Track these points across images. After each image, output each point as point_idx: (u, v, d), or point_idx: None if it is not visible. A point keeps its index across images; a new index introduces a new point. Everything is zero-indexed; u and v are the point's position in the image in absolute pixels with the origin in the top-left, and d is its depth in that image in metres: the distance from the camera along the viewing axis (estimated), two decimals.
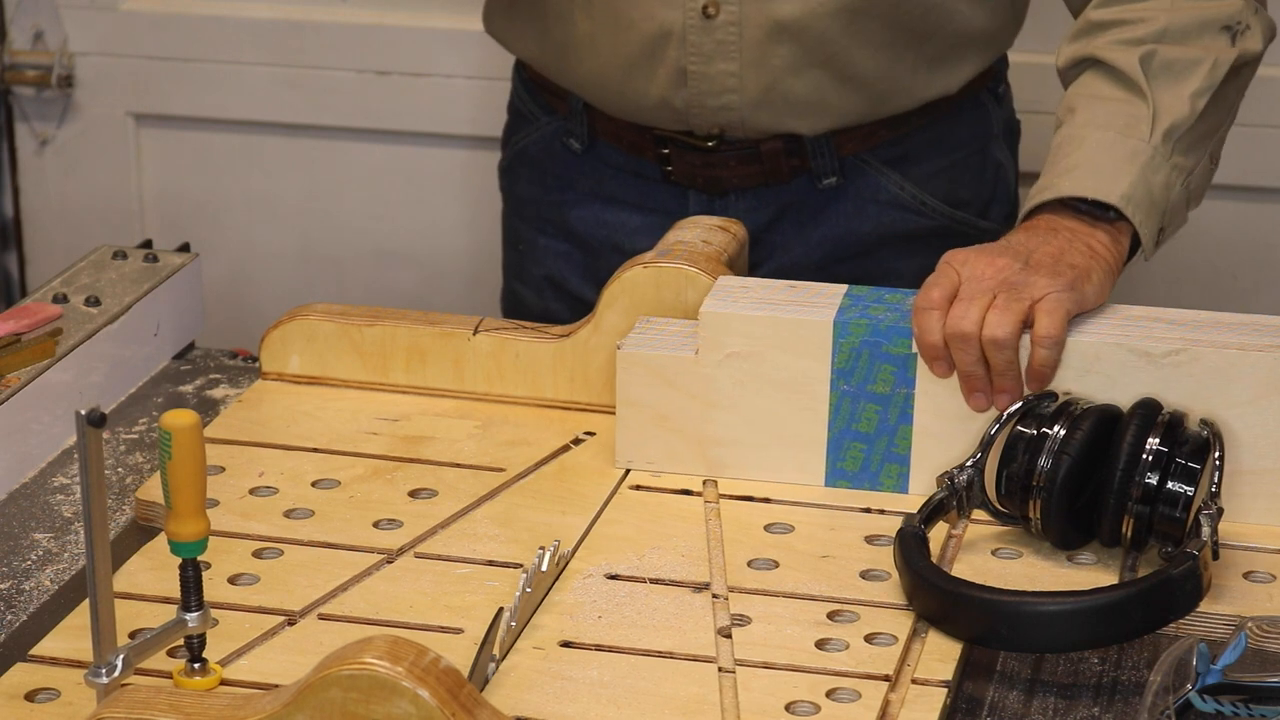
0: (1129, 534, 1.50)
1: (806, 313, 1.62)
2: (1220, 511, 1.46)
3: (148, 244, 1.96)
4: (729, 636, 1.43)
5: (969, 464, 1.55)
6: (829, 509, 1.61)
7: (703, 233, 1.77)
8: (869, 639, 1.43)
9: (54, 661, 1.40)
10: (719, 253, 1.74)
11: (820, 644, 1.42)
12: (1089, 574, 1.52)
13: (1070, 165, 1.68)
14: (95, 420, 1.26)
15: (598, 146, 2.03)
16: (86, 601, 1.33)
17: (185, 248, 1.97)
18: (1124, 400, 1.55)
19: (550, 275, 2.09)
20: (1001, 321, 1.57)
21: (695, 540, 1.56)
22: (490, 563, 1.53)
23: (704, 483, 1.64)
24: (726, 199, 1.99)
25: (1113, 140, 1.69)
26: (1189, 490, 1.49)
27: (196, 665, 1.37)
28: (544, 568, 1.46)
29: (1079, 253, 1.63)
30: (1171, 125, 1.70)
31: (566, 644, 1.42)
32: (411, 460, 1.68)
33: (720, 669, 1.40)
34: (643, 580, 1.50)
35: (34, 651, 1.41)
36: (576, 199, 2.06)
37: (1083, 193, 1.66)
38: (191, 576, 1.36)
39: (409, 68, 2.87)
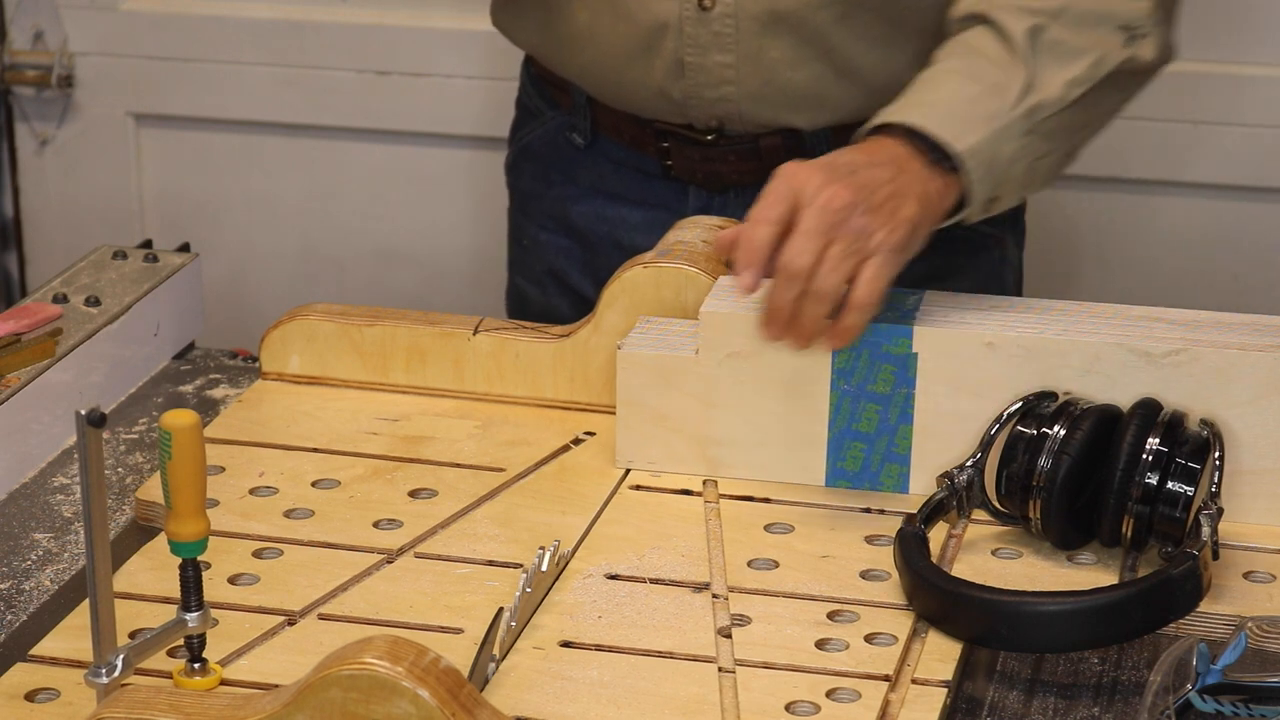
0: (1129, 534, 1.50)
1: None
2: (1220, 511, 1.46)
3: (148, 244, 1.96)
4: (729, 636, 1.43)
5: (969, 464, 1.55)
6: (829, 509, 1.61)
7: (703, 233, 1.77)
8: (869, 639, 1.43)
9: (54, 661, 1.40)
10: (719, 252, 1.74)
11: (820, 644, 1.42)
12: (1089, 574, 1.52)
13: (929, 100, 1.66)
14: (95, 420, 1.26)
15: (600, 141, 2.03)
16: (86, 601, 1.33)
17: (185, 248, 1.97)
18: (1124, 400, 1.55)
19: (552, 269, 2.09)
20: (830, 277, 1.53)
21: (695, 540, 1.56)
22: (490, 563, 1.53)
23: (704, 483, 1.64)
24: (726, 195, 1.99)
25: (977, 94, 1.66)
26: (1189, 490, 1.49)
27: (196, 665, 1.37)
28: (544, 568, 1.46)
29: (914, 200, 1.59)
30: (1039, 103, 1.66)
31: (566, 644, 1.42)
32: (411, 460, 1.67)
33: (720, 669, 1.40)
34: (643, 580, 1.50)
35: (34, 651, 1.41)
36: (578, 194, 2.06)
37: (933, 130, 1.62)
38: (191, 576, 1.36)
39: (409, 68, 2.87)
